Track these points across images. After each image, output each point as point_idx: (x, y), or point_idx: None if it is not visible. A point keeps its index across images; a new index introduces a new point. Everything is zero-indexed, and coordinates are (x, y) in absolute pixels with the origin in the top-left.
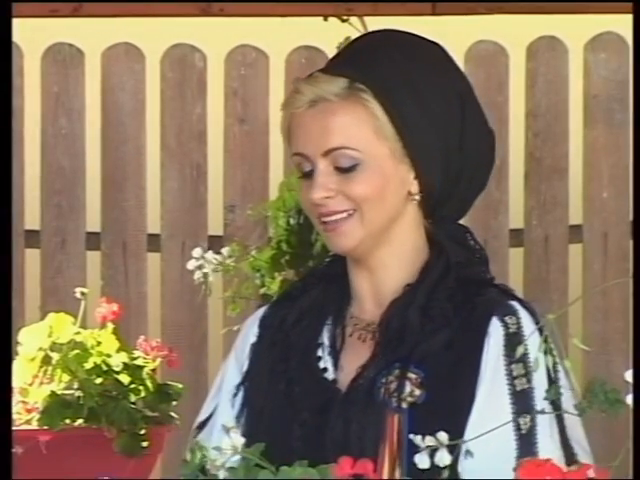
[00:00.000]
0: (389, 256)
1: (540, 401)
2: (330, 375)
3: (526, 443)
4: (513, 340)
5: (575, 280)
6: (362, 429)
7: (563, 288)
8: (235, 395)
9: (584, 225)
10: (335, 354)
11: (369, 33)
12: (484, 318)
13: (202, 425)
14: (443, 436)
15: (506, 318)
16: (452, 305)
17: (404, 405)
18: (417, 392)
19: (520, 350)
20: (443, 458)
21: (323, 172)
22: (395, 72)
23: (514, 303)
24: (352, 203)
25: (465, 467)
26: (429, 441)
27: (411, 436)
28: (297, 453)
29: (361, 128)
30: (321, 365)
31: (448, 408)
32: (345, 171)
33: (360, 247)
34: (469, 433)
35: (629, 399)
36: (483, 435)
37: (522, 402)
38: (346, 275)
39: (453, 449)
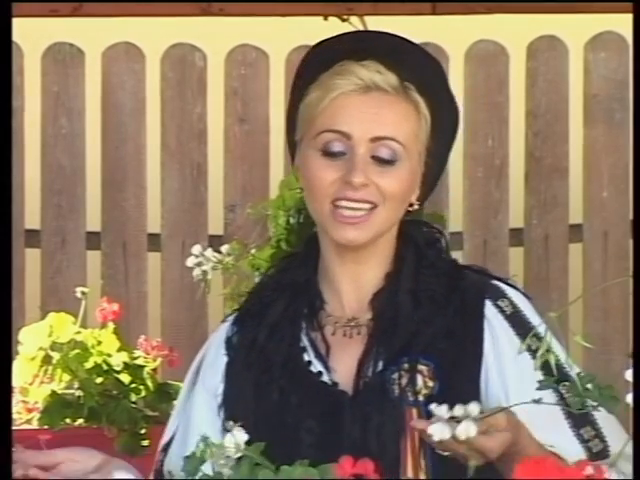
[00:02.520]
0: (376, 252)
1: (569, 366)
2: (326, 377)
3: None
4: (516, 319)
5: (575, 279)
6: (380, 427)
7: (563, 287)
8: (217, 415)
9: (584, 224)
10: (322, 356)
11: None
12: (477, 302)
13: (166, 447)
14: (474, 407)
15: (499, 302)
16: (440, 289)
17: (420, 398)
18: (431, 383)
19: (527, 326)
20: (469, 430)
21: (363, 158)
22: (430, 81)
23: (498, 283)
24: (379, 197)
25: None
26: (457, 411)
27: (433, 406)
28: (310, 460)
29: (408, 124)
30: (313, 369)
31: (460, 396)
32: (384, 164)
33: (365, 244)
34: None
35: (629, 398)
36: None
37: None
38: (312, 280)
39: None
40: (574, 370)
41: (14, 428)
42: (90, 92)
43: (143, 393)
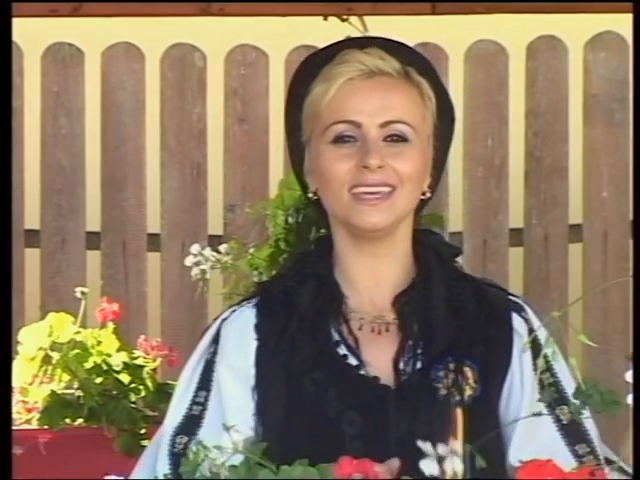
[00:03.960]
0: (393, 247)
1: (570, 390)
2: (364, 371)
3: (573, 430)
4: (532, 336)
5: (575, 279)
6: (428, 424)
7: (563, 287)
8: (251, 400)
9: (584, 224)
10: (354, 350)
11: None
12: (505, 313)
13: (184, 430)
14: (456, 445)
15: (523, 314)
16: (471, 300)
17: (466, 398)
18: (474, 385)
19: (537, 345)
20: (454, 465)
21: (375, 142)
22: (431, 68)
23: (515, 298)
24: (396, 179)
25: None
26: (441, 450)
27: (419, 442)
28: (355, 452)
29: (415, 107)
30: (352, 362)
31: (491, 401)
32: (395, 146)
33: (387, 228)
34: (521, 427)
35: (629, 399)
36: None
37: (553, 395)
38: (331, 275)
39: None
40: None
41: (14, 428)
42: (90, 92)
43: (143, 393)
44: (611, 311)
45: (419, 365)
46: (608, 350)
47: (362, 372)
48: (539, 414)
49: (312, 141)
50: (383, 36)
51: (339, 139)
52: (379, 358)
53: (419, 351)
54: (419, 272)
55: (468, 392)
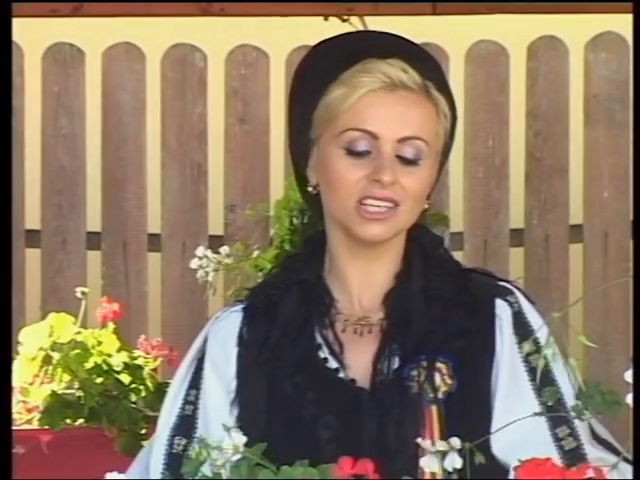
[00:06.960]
0: (387, 249)
1: (559, 374)
2: (342, 374)
3: (555, 412)
4: (519, 319)
5: (575, 280)
6: (400, 424)
7: (563, 288)
8: (230, 411)
9: (584, 225)
10: (336, 353)
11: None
12: (487, 301)
13: (181, 430)
14: (455, 441)
15: (508, 298)
16: (449, 288)
17: (440, 395)
18: (449, 381)
19: (526, 328)
20: (454, 462)
21: (389, 157)
22: (444, 79)
23: (505, 284)
24: (403, 196)
25: (501, 450)
26: (440, 446)
27: (419, 440)
28: (328, 456)
29: (431, 123)
30: (330, 366)
31: (475, 394)
32: (408, 163)
33: (386, 240)
34: (498, 415)
35: (629, 399)
36: (511, 419)
37: (541, 378)
38: (320, 278)
39: (463, 451)
40: (569, 377)
41: (14, 428)
42: (90, 92)
43: (143, 393)
44: (611, 311)
45: (396, 364)
46: (608, 350)
47: (340, 375)
48: (541, 414)
49: (322, 141)
50: (402, 37)
51: (353, 152)
52: (359, 360)
53: (396, 350)
54: (401, 267)
55: (443, 389)
